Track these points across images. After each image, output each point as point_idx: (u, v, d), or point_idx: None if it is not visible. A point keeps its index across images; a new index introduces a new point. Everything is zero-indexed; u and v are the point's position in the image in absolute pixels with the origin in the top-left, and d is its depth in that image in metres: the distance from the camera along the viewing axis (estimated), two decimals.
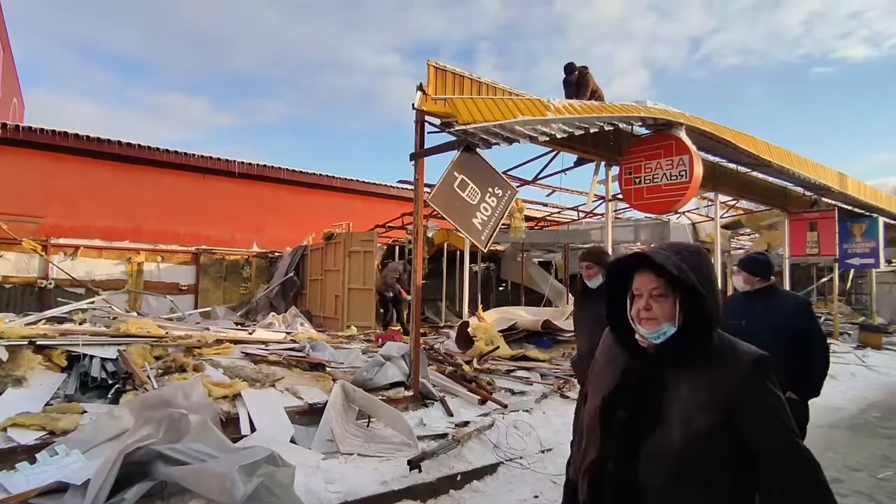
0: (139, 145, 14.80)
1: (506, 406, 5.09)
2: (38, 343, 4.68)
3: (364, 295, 11.17)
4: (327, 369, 5.69)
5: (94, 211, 14.00)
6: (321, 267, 12.65)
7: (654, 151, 6.96)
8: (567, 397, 5.64)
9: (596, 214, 12.74)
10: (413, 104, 5.11)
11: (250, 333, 7.47)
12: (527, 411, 5.02)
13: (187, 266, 14.26)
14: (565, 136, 5.74)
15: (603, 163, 7.51)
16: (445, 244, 13.53)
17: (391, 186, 18.62)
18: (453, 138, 5.17)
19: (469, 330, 7.91)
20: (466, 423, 4.53)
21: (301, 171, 17.71)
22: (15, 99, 20.03)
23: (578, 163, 8.03)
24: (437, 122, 5.34)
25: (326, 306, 12.18)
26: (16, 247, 11.41)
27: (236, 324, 10.72)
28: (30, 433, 3.46)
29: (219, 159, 16.18)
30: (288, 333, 8.16)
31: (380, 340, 8.16)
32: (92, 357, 4.70)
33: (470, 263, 11.40)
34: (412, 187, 5.72)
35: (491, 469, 3.89)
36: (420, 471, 3.54)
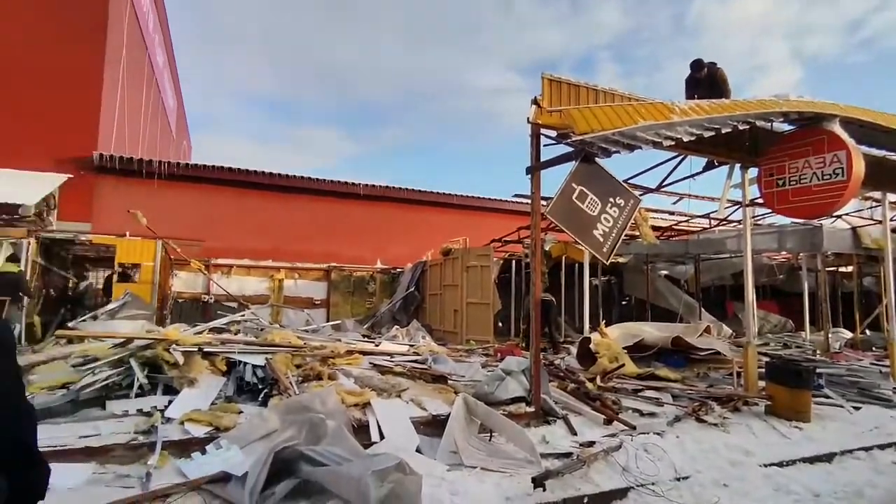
0: (279, 174, 16.69)
1: (634, 427, 4.81)
2: (205, 350, 5.41)
3: (481, 309, 11.28)
4: (449, 382, 5.83)
5: (243, 234, 15.93)
6: (440, 282, 13.03)
7: (800, 149, 6.22)
8: (704, 421, 5.16)
9: (731, 221, 11.61)
10: (528, 118, 5.12)
11: (376, 345, 7.90)
12: (658, 434, 4.68)
13: (320, 282, 15.59)
14: (693, 138, 5.34)
15: (738, 165, 6.85)
16: (563, 257, 13.22)
17: (506, 201, 18.84)
18: (570, 149, 5.08)
19: (591, 346, 7.62)
20: (591, 444, 4.35)
21: (420, 190, 18.59)
22: (185, 141, 23.58)
23: (708, 167, 7.44)
24: (553, 134, 5.29)
25: (445, 320, 12.49)
26: (185, 267, 13.58)
27: (363, 336, 11.41)
28: (200, 427, 4.00)
29: (346, 183, 17.62)
30: (411, 346, 8.50)
31: (499, 355, 8.18)
32: (245, 364, 5.33)
33: (590, 276, 10.99)
34: (528, 201, 5.70)
35: (620, 493, 3.67)
36: (545, 489, 3.46)
